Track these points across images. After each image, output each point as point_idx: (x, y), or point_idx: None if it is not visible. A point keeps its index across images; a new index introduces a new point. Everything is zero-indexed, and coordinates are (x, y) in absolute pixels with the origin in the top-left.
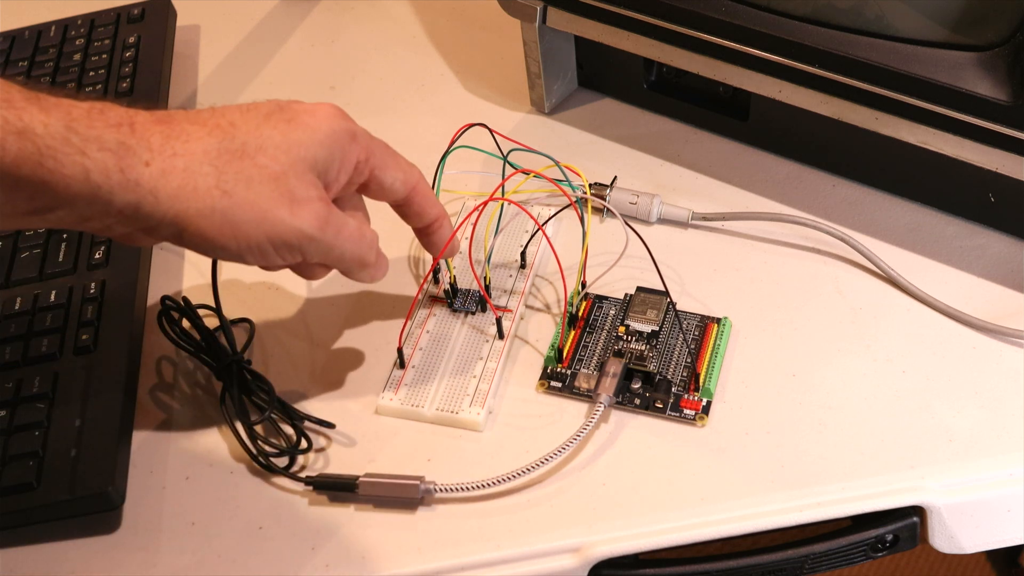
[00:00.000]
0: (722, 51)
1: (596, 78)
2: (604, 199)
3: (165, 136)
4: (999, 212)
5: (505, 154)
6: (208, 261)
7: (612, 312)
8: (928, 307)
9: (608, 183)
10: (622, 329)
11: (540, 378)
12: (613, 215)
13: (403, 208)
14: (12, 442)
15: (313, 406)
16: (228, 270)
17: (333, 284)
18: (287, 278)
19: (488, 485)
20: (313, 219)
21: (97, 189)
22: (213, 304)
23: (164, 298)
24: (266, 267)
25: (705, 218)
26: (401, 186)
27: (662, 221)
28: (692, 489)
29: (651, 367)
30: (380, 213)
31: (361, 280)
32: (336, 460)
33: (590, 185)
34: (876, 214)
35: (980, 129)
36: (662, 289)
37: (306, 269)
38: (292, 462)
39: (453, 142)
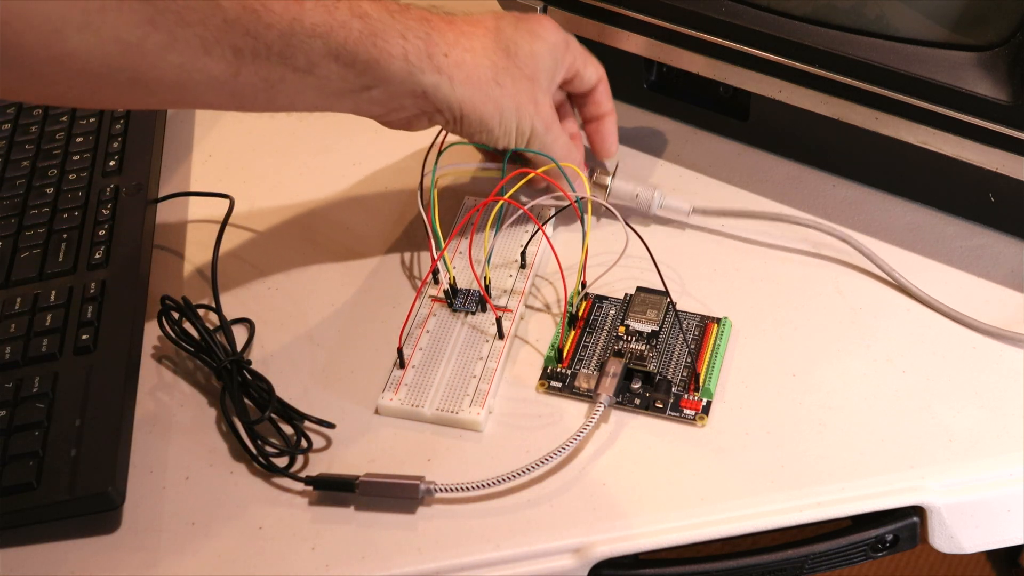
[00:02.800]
0: (722, 51)
1: None
2: (605, 186)
3: (456, 33)
4: (999, 212)
5: (505, 154)
6: (208, 261)
7: (612, 312)
8: (928, 307)
9: (610, 171)
10: (622, 329)
11: (540, 378)
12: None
13: (584, 98)
14: (12, 442)
15: (313, 406)
16: (228, 270)
17: (333, 284)
18: (287, 278)
19: (488, 485)
20: (544, 118)
21: (411, 67)
22: (213, 304)
23: (164, 298)
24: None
25: (705, 212)
26: (594, 79)
27: (662, 220)
28: (692, 489)
29: (651, 367)
30: (381, 214)
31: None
32: (336, 460)
33: (592, 172)
34: (876, 214)
35: (980, 129)
36: (662, 289)
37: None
38: (292, 462)
39: (447, 142)
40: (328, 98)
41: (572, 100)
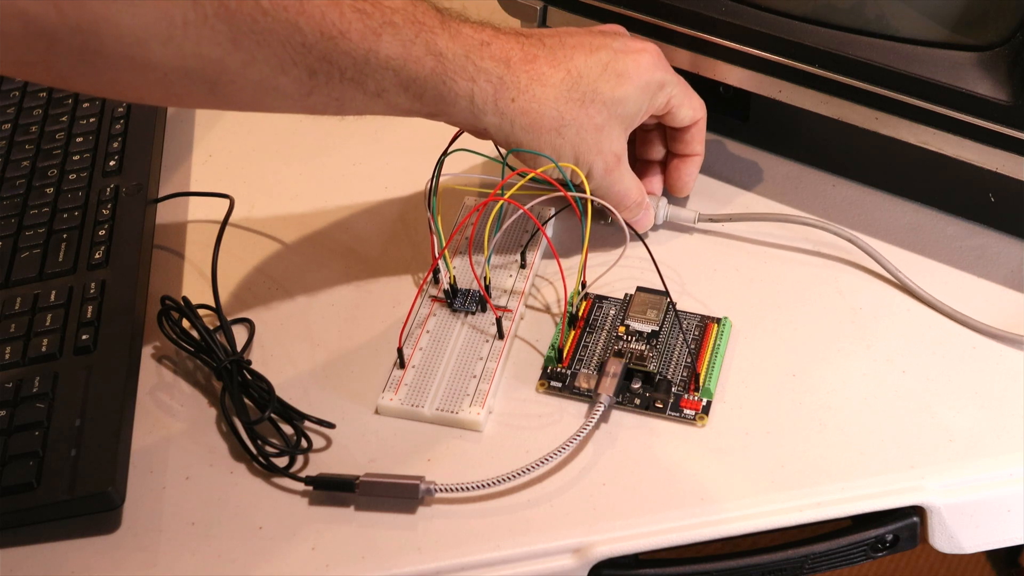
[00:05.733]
0: (722, 51)
1: None
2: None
3: (529, 78)
4: (999, 212)
5: (504, 155)
6: (208, 261)
7: (612, 312)
8: (928, 307)
9: None
10: (622, 329)
11: (540, 378)
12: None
13: (675, 132)
14: (12, 442)
15: (313, 406)
16: (228, 270)
17: (333, 284)
18: (287, 278)
19: (488, 485)
20: (605, 162)
21: (475, 109)
22: (213, 304)
23: (164, 298)
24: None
25: (712, 219)
26: (687, 121)
27: (668, 224)
28: (692, 489)
29: (651, 367)
30: (381, 214)
31: (624, 217)
32: (336, 460)
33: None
34: (876, 214)
35: (980, 129)
36: (662, 289)
37: None
38: (292, 462)
39: (452, 143)
40: (396, 114)
41: (664, 130)
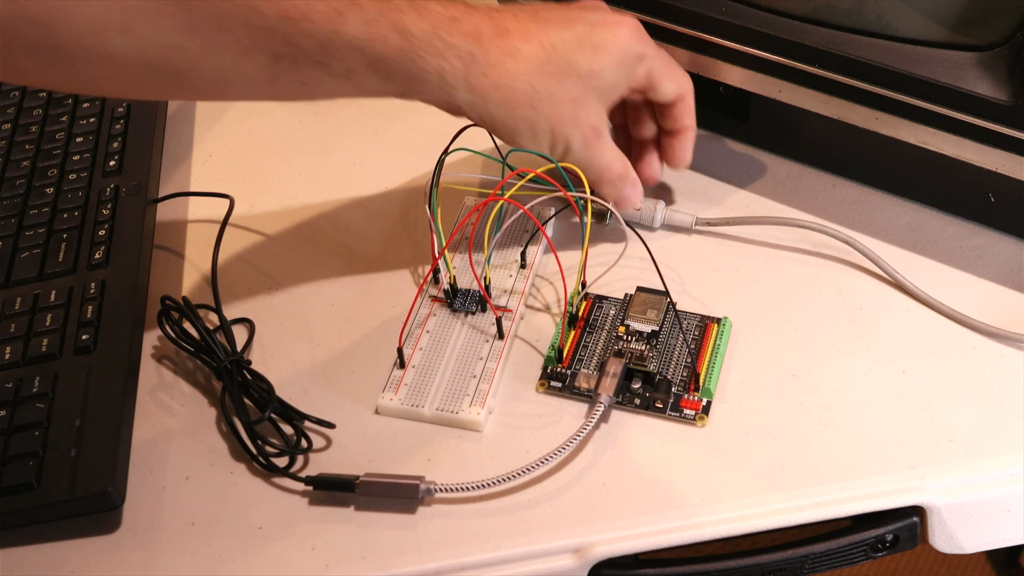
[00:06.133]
0: (722, 51)
1: None
2: (607, 202)
3: (501, 52)
4: (999, 212)
5: (504, 155)
6: (208, 261)
7: (612, 312)
8: (928, 307)
9: None
10: (622, 329)
11: (540, 378)
12: (617, 220)
13: (661, 108)
14: (12, 442)
15: (313, 406)
16: (228, 270)
17: (333, 284)
18: (287, 278)
19: (488, 485)
20: (583, 136)
21: (446, 86)
22: (213, 304)
23: (164, 298)
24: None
25: (709, 223)
26: (671, 95)
27: (666, 227)
28: (692, 489)
29: (651, 367)
30: (381, 214)
31: (605, 196)
32: (336, 460)
33: (592, 191)
34: (876, 214)
35: (980, 129)
36: (662, 289)
37: None
38: (292, 462)
39: (452, 143)
40: (367, 96)
41: (653, 106)
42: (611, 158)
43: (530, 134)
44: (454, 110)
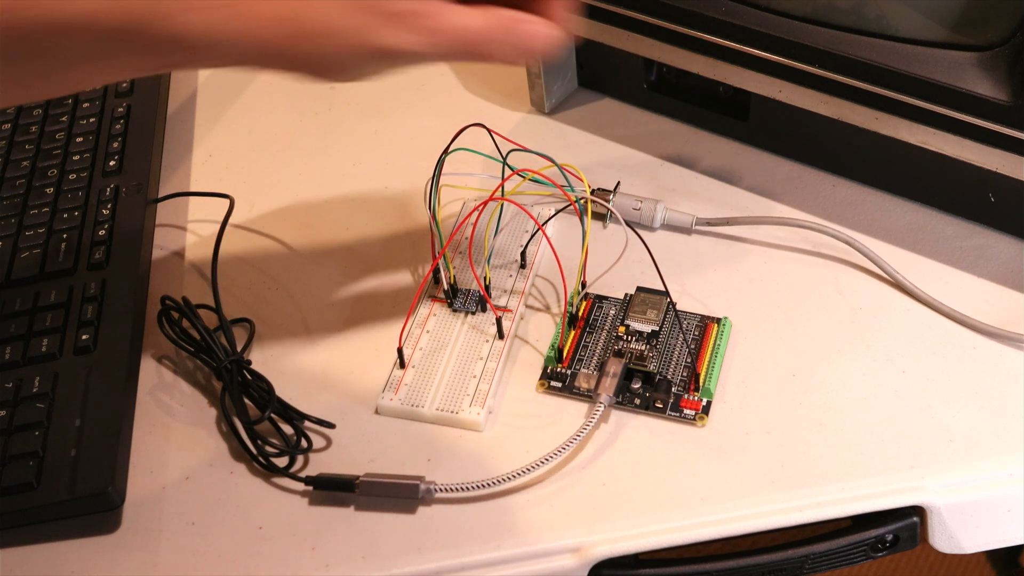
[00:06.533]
0: (722, 51)
1: (596, 78)
2: (607, 202)
3: None
4: (999, 212)
5: (504, 155)
6: (208, 261)
7: (612, 312)
8: (928, 307)
9: (611, 188)
10: (622, 329)
11: (540, 378)
12: (616, 220)
13: None
14: (12, 442)
15: (313, 406)
16: (228, 270)
17: (333, 284)
18: (287, 278)
19: (488, 485)
20: (403, 27)
21: (197, 43)
22: (213, 304)
23: (164, 298)
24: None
25: (709, 223)
26: None
27: (666, 227)
28: (692, 489)
29: (651, 367)
30: (381, 214)
31: (505, 57)
32: (336, 460)
33: (592, 191)
34: (876, 214)
35: (980, 129)
36: (662, 289)
37: None
38: (292, 462)
39: (452, 143)
40: (132, 76)
41: None
42: (455, 23)
43: (337, 61)
44: (236, 64)
